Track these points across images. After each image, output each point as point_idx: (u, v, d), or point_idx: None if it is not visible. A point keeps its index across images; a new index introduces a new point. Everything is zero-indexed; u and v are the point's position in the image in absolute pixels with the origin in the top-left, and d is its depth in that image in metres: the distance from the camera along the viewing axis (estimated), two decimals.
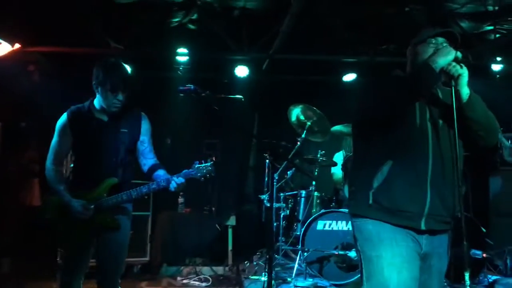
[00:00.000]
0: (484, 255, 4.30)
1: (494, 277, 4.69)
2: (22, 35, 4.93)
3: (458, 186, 2.13)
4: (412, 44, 2.32)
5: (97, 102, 2.90)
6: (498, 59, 5.88)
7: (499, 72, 6.09)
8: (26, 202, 6.01)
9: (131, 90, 2.90)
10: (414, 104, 2.16)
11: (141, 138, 2.99)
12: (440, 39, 2.23)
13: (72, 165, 3.08)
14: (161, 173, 2.91)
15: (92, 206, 2.80)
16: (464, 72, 2.10)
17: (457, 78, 2.10)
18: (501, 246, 5.00)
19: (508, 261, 5.05)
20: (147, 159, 3.00)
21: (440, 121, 2.20)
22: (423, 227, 2.12)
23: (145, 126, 3.02)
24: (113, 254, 2.90)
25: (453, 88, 2.13)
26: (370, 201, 2.14)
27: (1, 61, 4.97)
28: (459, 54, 2.10)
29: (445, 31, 2.23)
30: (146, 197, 5.56)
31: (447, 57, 2.09)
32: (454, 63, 2.10)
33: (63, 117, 2.91)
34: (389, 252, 2.10)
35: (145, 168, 2.99)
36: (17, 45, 4.87)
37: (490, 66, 5.95)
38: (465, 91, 2.13)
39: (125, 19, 5.35)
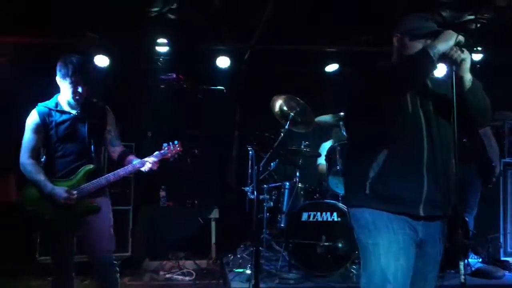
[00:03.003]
0: (468, 243, 4.34)
1: (477, 265, 4.74)
2: None
3: (455, 172, 2.13)
4: (401, 33, 2.25)
5: (62, 96, 3.12)
6: (479, 48, 5.90)
7: (479, 62, 6.12)
8: (2, 198, 5.84)
9: (95, 84, 3.19)
10: (407, 92, 2.12)
11: (108, 128, 3.28)
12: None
13: (43, 158, 3.18)
14: (132, 158, 3.22)
15: (75, 192, 3.00)
16: (466, 57, 2.05)
17: (460, 63, 2.05)
18: (483, 235, 5.04)
19: (490, 249, 5.12)
20: (115, 147, 3.32)
21: (431, 108, 2.17)
22: (421, 213, 2.11)
23: (110, 117, 3.30)
24: (101, 232, 3.11)
25: (454, 73, 2.07)
26: (367, 191, 2.12)
27: None
28: (461, 38, 2.04)
29: (436, 30, 2.15)
30: (128, 191, 5.49)
31: (448, 42, 2.03)
32: (456, 48, 2.04)
33: (35, 116, 3.09)
34: (386, 240, 2.09)
35: (116, 154, 3.31)
36: None
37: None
38: (468, 77, 2.10)
39: (103, 8, 5.20)
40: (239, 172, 6.77)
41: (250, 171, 4.98)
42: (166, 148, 3.23)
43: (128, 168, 3.12)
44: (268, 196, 5.14)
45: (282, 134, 5.00)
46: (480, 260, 4.97)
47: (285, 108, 5.07)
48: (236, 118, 6.90)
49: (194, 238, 5.85)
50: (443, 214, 2.20)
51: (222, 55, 5.98)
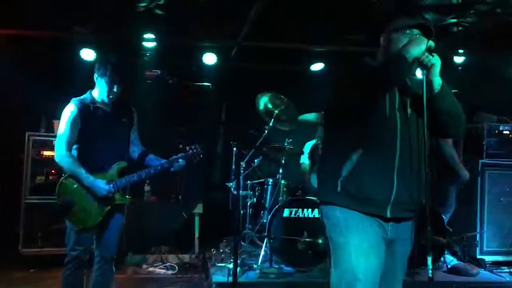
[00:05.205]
0: (444, 241, 4.44)
1: (453, 262, 4.85)
2: None
3: (424, 175, 2.19)
4: (387, 31, 2.32)
5: (97, 94, 3.23)
6: (460, 51, 6.01)
7: (461, 64, 6.24)
8: None
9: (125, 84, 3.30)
10: (385, 93, 2.17)
11: (133, 127, 3.45)
12: (415, 31, 2.24)
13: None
14: (152, 157, 3.42)
15: (112, 186, 3.14)
16: (436, 62, 2.12)
17: (429, 67, 2.13)
18: (460, 233, 5.15)
19: (466, 248, 5.23)
20: (136, 146, 3.47)
21: (409, 111, 2.23)
22: (388, 215, 2.16)
23: (136, 117, 3.47)
24: (115, 228, 3.27)
25: (424, 77, 2.15)
26: (339, 189, 2.17)
27: None
28: (431, 43, 2.12)
29: (423, 23, 2.25)
30: None
31: (420, 46, 2.10)
32: (426, 53, 2.11)
33: (73, 109, 3.14)
34: (357, 238, 2.14)
35: (135, 154, 3.45)
36: None
37: (452, 58, 6.10)
38: (437, 81, 2.16)
39: (90, 2, 5.20)
40: (224, 168, 6.84)
41: (233, 167, 5.03)
42: (190, 150, 3.40)
43: (158, 167, 3.30)
44: (251, 192, 5.21)
45: (266, 131, 5.07)
46: (456, 258, 5.08)
47: (269, 105, 5.13)
48: (221, 115, 6.94)
49: (178, 232, 5.90)
50: (411, 216, 2.26)
51: (209, 51, 6.00)
